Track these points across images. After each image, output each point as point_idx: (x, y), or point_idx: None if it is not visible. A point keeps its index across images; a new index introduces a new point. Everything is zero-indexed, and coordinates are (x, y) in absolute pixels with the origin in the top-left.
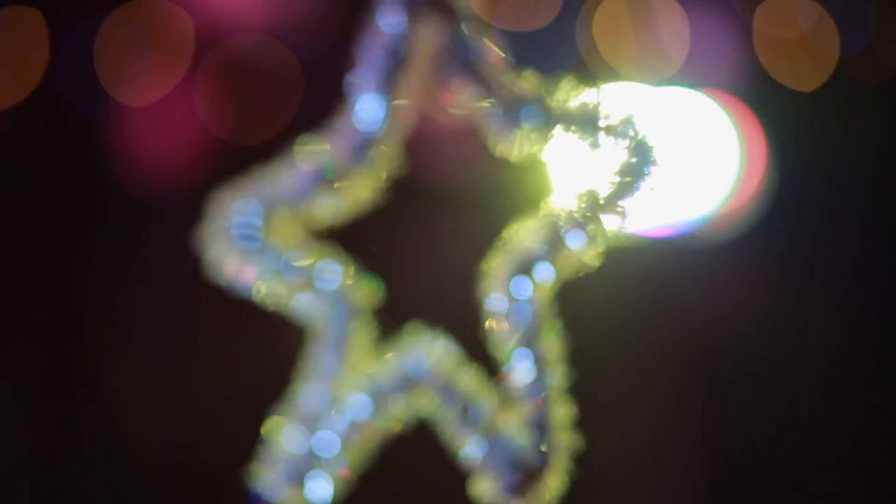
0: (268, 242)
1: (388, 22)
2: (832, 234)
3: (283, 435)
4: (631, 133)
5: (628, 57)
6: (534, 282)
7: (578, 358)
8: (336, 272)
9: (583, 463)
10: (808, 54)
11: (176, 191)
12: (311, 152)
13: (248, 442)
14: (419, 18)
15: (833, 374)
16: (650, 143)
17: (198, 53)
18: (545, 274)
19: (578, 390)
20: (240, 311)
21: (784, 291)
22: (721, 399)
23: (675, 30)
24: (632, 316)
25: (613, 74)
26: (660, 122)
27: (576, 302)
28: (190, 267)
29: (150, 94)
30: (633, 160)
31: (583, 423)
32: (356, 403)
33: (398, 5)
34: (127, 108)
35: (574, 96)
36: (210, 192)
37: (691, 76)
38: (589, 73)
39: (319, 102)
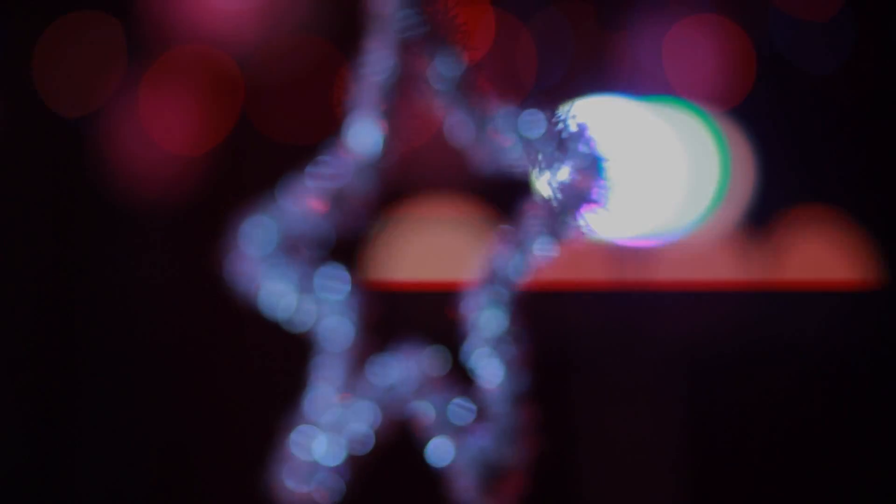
0: (280, 256)
1: (379, 51)
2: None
3: (290, 441)
4: (585, 148)
5: (611, 71)
6: (504, 289)
7: (562, 363)
8: (342, 284)
9: (567, 465)
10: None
11: (166, 201)
12: (319, 169)
13: (254, 448)
14: (408, 44)
15: (819, 379)
16: (605, 156)
17: (191, 65)
18: (515, 281)
19: (562, 394)
20: (243, 318)
21: (770, 298)
22: (704, 404)
23: (655, 45)
24: (617, 321)
25: (595, 88)
26: (637, 135)
27: (560, 308)
28: (188, 273)
29: (142, 104)
30: (589, 172)
31: (568, 425)
32: (358, 410)
33: (388, 33)
34: (117, 118)
35: (545, 113)
36: (202, 203)
37: (673, 90)
38: (572, 87)
39: (313, 115)
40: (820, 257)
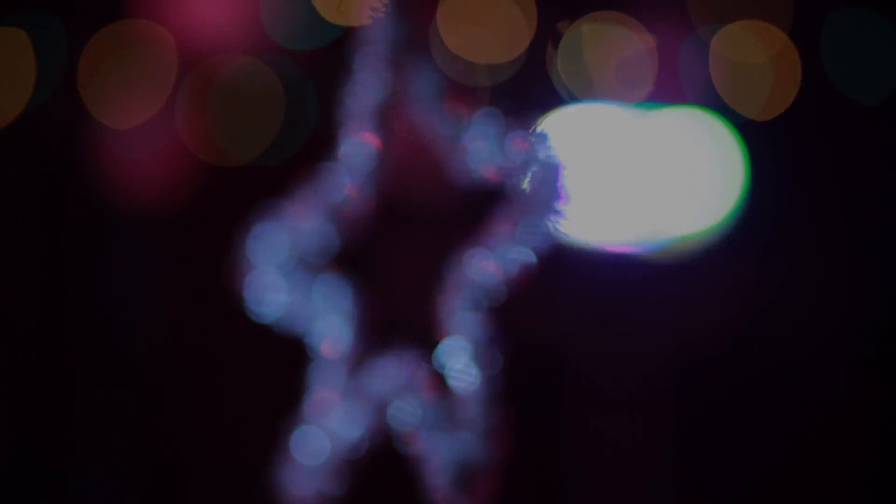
0: (282, 263)
1: (370, 66)
2: (804, 248)
3: (291, 443)
4: (545, 156)
5: (598, 80)
6: (480, 293)
7: (553, 365)
8: (340, 291)
9: (554, 465)
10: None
11: (158, 210)
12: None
13: (255, 451)
14: (395, 59)
15: (807, 384)
16: (565, 163)
17: (182, 75)
18: (491, 286)
19: (545, 396)
20: (243, 322)
21: (758, 303)
22: (696, 408)
23: (643, 53)
24: (607, 326)
25: (583, 96)
26: (626, 141)
27: (550, 312)
28: (186, 279)
29: (135, 115)
30: (550, 179)
31: (557, 428)
32: (354, 412)
33: (377, 48)
34: (111, 130)
35: (515, 123)
36: (192, 212)
37: (662, 97)
38: (558, 97)
39: (303, 124)
40: (813, 259)
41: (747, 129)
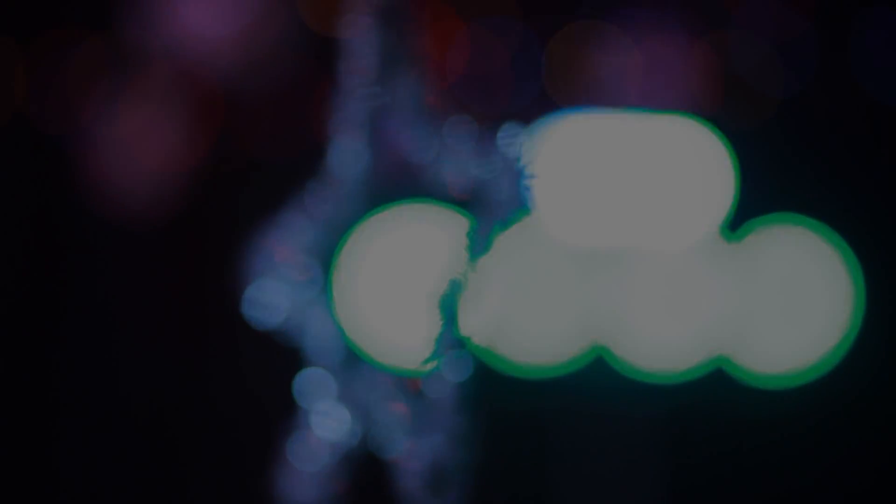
0: (275, 270)
1: (360, 75)
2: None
3: (285, 448)
4: (511, 155)
5: (585, 85)
6: (455, 294)
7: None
8: (332, 296)
9: (533, 470)
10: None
11: (154, 219)
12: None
13: (248, 455)
14: (384, 68)
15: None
16: (530, 163)
17: (174, 84)
18: (465, 286)
19: (531, 402)
20: (235, 329)
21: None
22: (687, 414)
23: (629, 59)
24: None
25: (569, 101)
26: (614, 146)
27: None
28: (179, 284)
29: (125, 121)
30: (515, 177)
31: (536, 433)
32: (346, 416)
33: (366, 59)
34: (102, 136)
35: (484, 125)
36: (186, 221)
37: (648, 102)
38: (546, 101)
39: (298, 130)
40: (796, 266)
41: (739, 136)
